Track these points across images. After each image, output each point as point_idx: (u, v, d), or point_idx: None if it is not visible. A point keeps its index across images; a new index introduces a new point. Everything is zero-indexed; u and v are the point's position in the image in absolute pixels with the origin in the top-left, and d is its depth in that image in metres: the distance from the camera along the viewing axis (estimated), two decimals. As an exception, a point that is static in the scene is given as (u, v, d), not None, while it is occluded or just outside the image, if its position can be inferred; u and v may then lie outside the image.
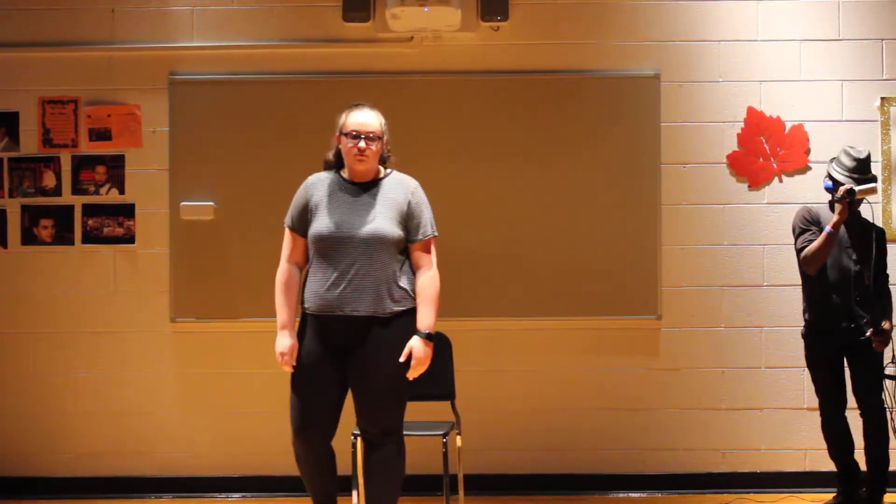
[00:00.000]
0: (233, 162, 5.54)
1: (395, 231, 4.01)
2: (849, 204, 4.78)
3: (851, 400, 4.93)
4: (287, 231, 4.14)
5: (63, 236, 5.61)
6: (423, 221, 4.08)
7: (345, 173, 4.13)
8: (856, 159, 4.86)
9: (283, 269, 4.11)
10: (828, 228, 4.79)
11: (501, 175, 5.53)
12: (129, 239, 5.60)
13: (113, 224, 5.61)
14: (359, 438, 4.62)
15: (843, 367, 4.94)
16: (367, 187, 4.07)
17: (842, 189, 4.78)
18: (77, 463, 5.60)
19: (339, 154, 4.15)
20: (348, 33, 5.59)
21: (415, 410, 4.81)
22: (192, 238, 5.54)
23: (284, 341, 4.03)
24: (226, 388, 5.57)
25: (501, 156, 5.53)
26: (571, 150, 5.54)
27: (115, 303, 5.60)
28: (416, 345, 3.98)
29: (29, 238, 5.62)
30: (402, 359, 3.96)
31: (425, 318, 4.02)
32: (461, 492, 4.91)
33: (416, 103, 5.53)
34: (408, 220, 4.05)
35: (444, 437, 4.69)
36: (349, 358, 4.00)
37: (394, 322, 4.00)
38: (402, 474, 4.09)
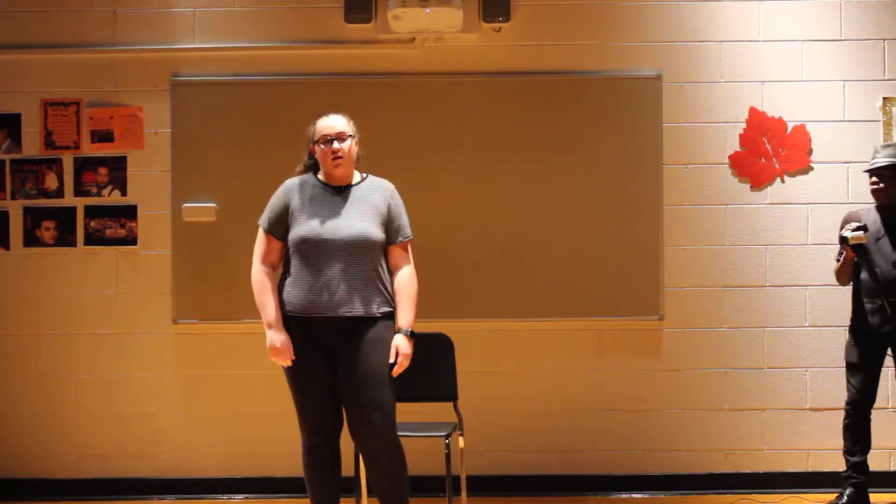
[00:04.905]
0: (235, 163, 5.54)
1: (378, 233, 4.08)
2: (851, 247, 4.88)
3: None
4: (262, 234, 4.17)
5: (65, 238, 5.61)
6: (402, 224, 4.17)
7: (321, 177, 4.18)
8: (881, 147, 5.00)
9: (259, 269, 4.14)
10: (840, 259, 4.96)
11: (503, 176, 5.53)
12: (131, 241, 5.61)
13: (115, 226, 5.61)
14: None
15: (880, 366, 4.99)
16: (346, 190, 4.13)
17: (839, 236, 4.93)
18: (79, 464, 5.60)
19: (311, 165, 4.22)
20: (350, 34, 5.59)
21: (417, 412, 4.82)
22: (195, 240, 5.55)
23: (279, 336, 4.03)
24: (228, 389, 5.57)
25: (503, 156, 5.53)
26: (573, 151, 5.54)
27: (118, 304, 5.60)
28: (400, 342, 4.04)
29: (31, 240, 5.62)
30: (391, 359, 4.01)
31: (406, 317, 4.09)
32: (464, 493, 4.91)
33: (417, 104, 5.53)
34: (388, 223, 4.13)
35: (447, 439, 4.68)
36: (337, 359, 4.04)
37: (379, 322, 4.06)
38: (407, 471, 4.09)
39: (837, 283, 5.08)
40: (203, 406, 5.59)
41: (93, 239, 5.61)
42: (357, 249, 4.01)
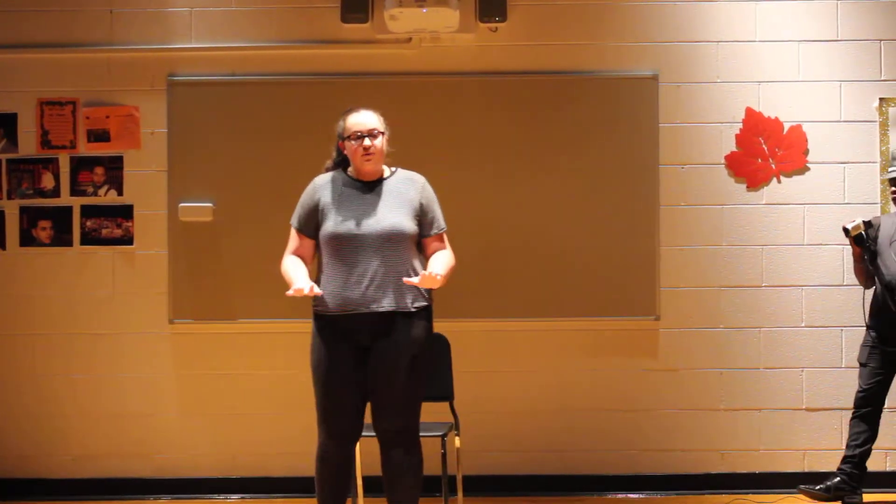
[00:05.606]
0: (231, 163, 5.54)
1: (411, 226, 4.04)
2: (854, 240, 4.97)
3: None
4: (294, 232, 4.13)
5: (61, 238, 5.61)
6: (437, 216, 4.14)
7: (351, 172, 4.15)
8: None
9: (289, 256, 4.09)
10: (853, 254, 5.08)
11: (499, 176, 5.53)
12: (127, 240, 5.60)
13: (111, 225, 5.61)
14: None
15: (892, 369, 5.01)
16: (376, 185, 4.10)
17: (842, 227, 5.02)
18: (75, 464, 5.60)
19: (340, 161, 4.19)
20: (347, 34, 5.59)
21: (414, 411, 4.82)
22: (191, 239, 5.54)
23: (303, 280, 3.94)
24: (224, 389, 5.57)
25: (500, 157, 5.53)
26: (570, 151, 5.54)
27: (114, 304, 5.60)
28: (425, 273, 3.93)
29: (27, 239, 5.61)
30: (412, 280, 3.93)
31: (436, 267, 3.99)
32: (460, 493, 4.91)
33: (414, 104, 5.53)
34: (421, 216, 4.10)
35: (443, 438, 4.68)
36: (370, 354, 4.00)
37: (415, 318, 4.01)
38: (422, 472, 4.09)
39: (862, 286, 5.15)
40: (199, 406, 5.58)
41: (89, 238, 5.61)
42: (390, 243, 3.98)
